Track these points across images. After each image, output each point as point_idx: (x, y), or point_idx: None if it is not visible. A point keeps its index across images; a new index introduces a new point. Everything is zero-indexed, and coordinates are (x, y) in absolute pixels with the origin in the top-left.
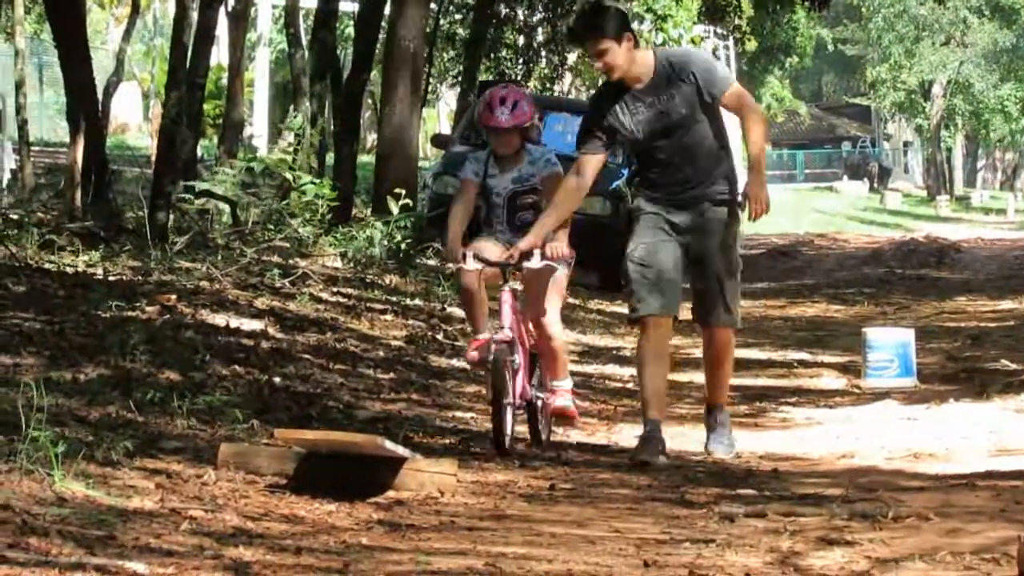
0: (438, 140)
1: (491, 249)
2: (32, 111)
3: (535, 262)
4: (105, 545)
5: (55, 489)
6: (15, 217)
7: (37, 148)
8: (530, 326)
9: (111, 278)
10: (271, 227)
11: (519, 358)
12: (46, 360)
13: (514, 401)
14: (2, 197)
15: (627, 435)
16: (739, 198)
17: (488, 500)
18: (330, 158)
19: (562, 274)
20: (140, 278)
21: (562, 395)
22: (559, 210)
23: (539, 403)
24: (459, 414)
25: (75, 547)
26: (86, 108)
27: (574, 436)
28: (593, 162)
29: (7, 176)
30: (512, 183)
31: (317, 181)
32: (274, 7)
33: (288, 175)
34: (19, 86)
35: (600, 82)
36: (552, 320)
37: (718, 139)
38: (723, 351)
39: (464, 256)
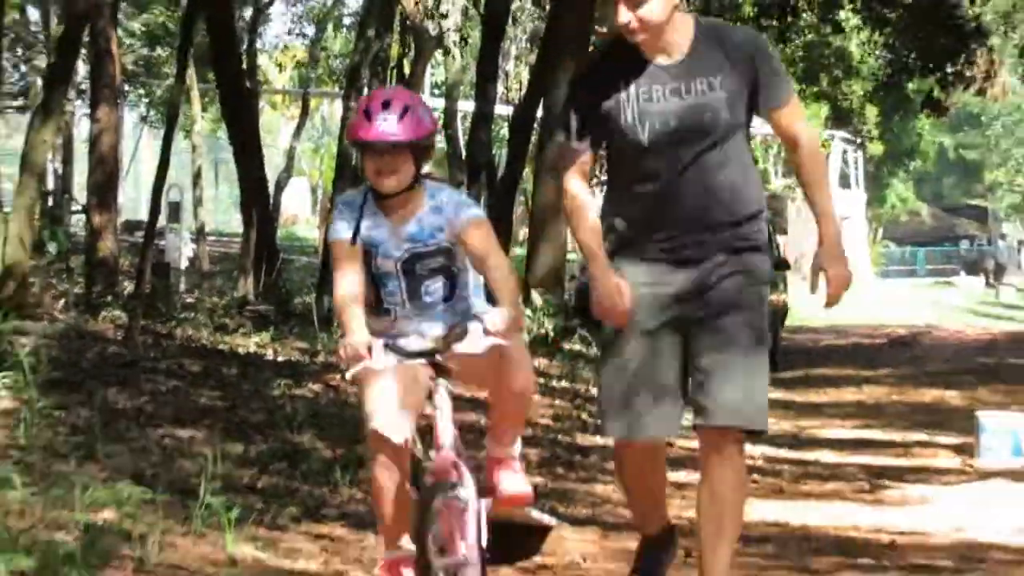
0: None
1: (414, 341)
2: (208, 203)
3: (474, 343)
4: None
5: (228, 551)
6: (191, 301)
7: (212, 237)
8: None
9: (280, 359)
10: None
11: (467, 491)
12: (220, 433)
13: (470, 558)
14: (180, 283)
15: (758, 508)
16: (813, 273)
17: (627, 566)
18: None
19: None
20: (307, 359)
21: (508, 468)
22: (590, 234)
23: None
24: (599, 488)
25: None
26: (258, 201)
27: None
28: (589, 157)
29: (184, 263)
30: (408, 242)
31: None
32: (434, 109)
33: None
34: (196, 180)
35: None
36: (522, 352)
37: (749, 153)
38: (731, 477)
39: (370, 349)
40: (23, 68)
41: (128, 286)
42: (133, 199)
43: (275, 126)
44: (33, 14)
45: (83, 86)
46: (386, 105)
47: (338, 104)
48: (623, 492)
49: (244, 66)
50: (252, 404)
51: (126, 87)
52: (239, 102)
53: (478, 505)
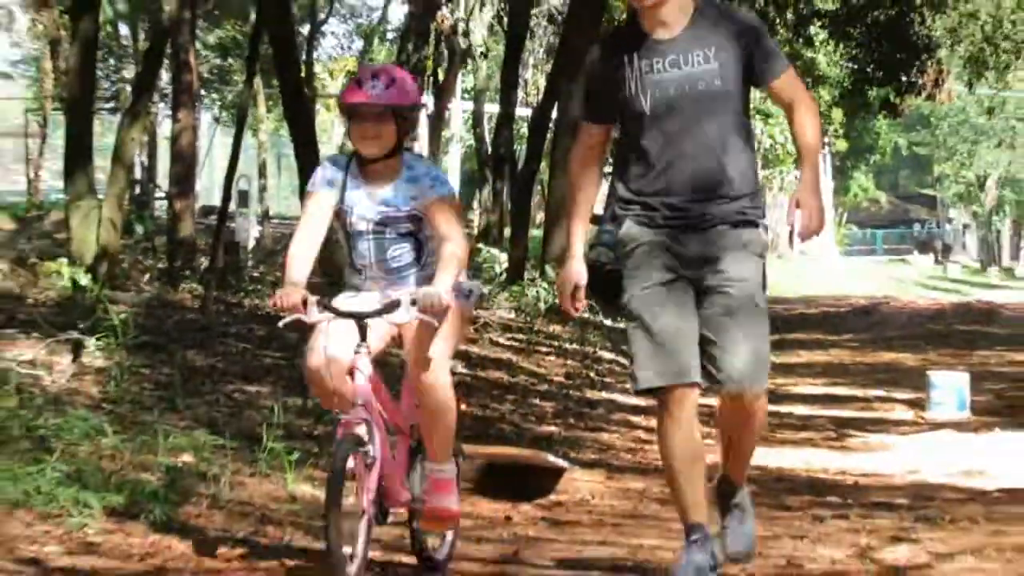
0: (592, 218)
1: (360, 301)
2: (271, 191)
3: (402, 314)
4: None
5: (288, 489)
6: (257, 275)
7: (275, 220)
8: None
9: None
10: None
11: (375, 450)
12: (282, 388)
13: (367, 510)
14: (248, 259)
15: None
16: (788, 215)
17: (629, 503)
18: (506, 231)
19: (460, 310)
20: None
21: (442, 489)
22: (583, 208)
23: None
24: (605, 436)
25: (303, 535)
26: None
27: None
28: (601, 135)
29: (252, 242)
30: (382, 205)
31: (493, 250)
32: (464, 111)
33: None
34: (261, 171)
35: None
36: (436, 367)
37: (747, 133)
38: (748, 417)
39: (305, 302)
40: (114, 77)
41: (204, 262)
42: (208, 187)
43: (328, 126)
44: (123, 29)
45: (166, 91)
46: (375, 75)
47: None
48: (668, 479)
49: (303, 74)
50: None
51: (202, 92)
52: (298, 105)
53: (382, 463)
